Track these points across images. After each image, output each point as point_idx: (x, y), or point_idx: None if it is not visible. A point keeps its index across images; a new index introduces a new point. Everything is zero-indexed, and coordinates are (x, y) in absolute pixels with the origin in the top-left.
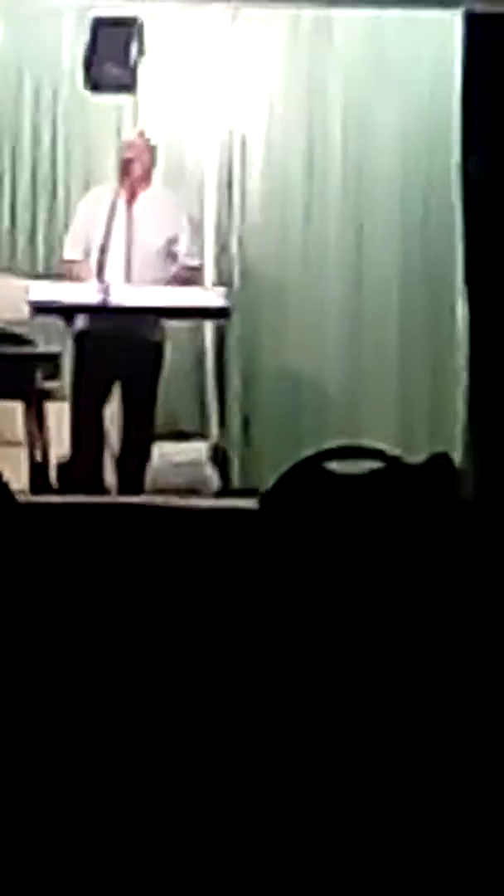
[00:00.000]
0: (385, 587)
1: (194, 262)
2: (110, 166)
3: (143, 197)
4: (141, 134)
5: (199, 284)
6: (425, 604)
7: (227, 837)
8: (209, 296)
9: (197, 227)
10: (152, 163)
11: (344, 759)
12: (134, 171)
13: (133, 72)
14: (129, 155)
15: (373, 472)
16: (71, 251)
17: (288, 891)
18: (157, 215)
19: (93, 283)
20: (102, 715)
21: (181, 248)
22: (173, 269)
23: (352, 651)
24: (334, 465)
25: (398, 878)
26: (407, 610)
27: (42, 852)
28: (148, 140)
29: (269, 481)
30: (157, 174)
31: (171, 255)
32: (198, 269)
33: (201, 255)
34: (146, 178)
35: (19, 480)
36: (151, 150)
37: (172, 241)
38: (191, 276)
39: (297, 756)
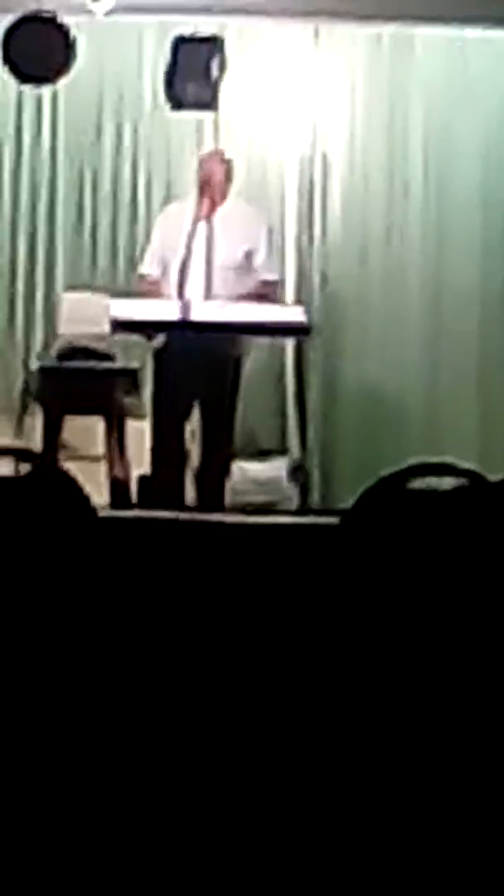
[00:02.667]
0: (466, 604)
1: (271, 277)
2: (190, 182)
3: (222, 211)
4: (217, 150)
5: (275, 299)
6: None
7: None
8: (290, 313)
9: (275, 241)
10: (229, 178)
11: (427, 769)
12: (212, 187)
13: (214, 89)
14: (206, 171)
15: (454, 490)
16: (148, 267)
17: (288, 891)
18: (236, 229)
19: (173, 299)
20: (177, 722)
21: (258, 262)
22: (251, 283)
23: (434, 667)
24: (416, 483)
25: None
26: (488, 627)
27: (51, 854)
28: (224, 155)
29: (348, 499)
30: (237, 190)
31: (249, 270)
32: (275, 284)
33: (279, 269)
34: (224, 193)
35: (100, 496)
36: (228, 165)
37: (250, 255)
38: (268, 291)
39: (378, 765)
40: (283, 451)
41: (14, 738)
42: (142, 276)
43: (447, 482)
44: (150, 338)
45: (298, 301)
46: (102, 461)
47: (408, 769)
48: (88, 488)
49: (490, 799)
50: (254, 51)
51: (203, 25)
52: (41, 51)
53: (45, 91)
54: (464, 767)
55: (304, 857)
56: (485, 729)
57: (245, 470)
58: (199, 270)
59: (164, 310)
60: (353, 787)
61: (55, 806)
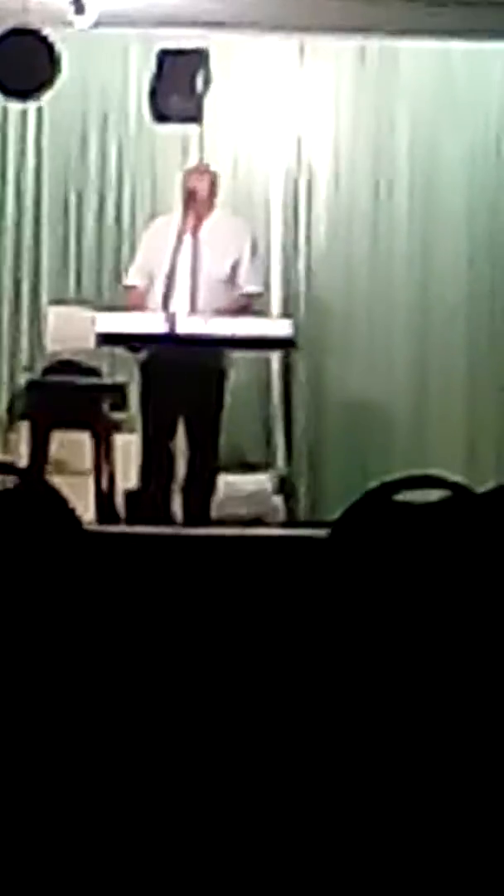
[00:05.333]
0: (453, 614)
1: (253, 289)
2: (176, 196)
3: (207, 225)
4: (202, 162)
5: (258, 312)
6: (493, 631)
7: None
8: (275, 326)
9: (259, 253)
10: (214, 191)
11: (415, 781)
12: (197, 200)
13: (199, 102)
14: (191, 184)
15: (440, 502)
16: (133, 278)
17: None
18: (221, 242)
19: (158, 313)
20: (168, 738)
21: (241, 274)
22: (234, 295)
23: (421, 676)
24: (403, 495)
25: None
26: (475, 637)
27: (52, 857)
28: (208, 168)
29: (335, 511)
30: (222, 203)
31: (235, 282)
32: (256, 296)
33: (262, 281)
34: (209, 206)
35: (86, 510)
36: (213, 178)
37: (236, 267)
38: (249, 303)
39: (370, 776)
40: (269, 464)
41: (2, 750)
42: (127, 288)
43: (434, 494)
44: (135, 351)
45: (284, 314)
46: (89, 475)
47: (395, 778)
48: (75, 503)
49: (473, 806)
50: (239, 64)
51: (188, 39)
52: (25, 64)
53: (30, 105)
54: (446, 773)
55: (301, 862)
56: (470, 735)
57: (231, 483)
58: (185, 284)
59: (149, 323)
60: (339, 793)
61: (45, 817)
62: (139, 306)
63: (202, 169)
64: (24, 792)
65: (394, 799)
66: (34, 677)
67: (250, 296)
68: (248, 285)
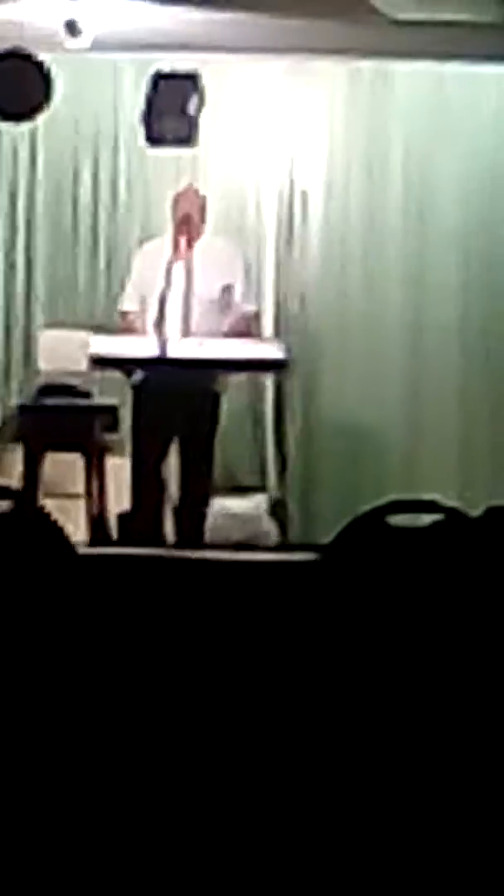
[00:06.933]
0: (445, 638)
1: (250, 308)
2: (168, 219)
3: (198, 247)
4: (191, 186)
5: (256, 333)
6: (485, 654)
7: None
8: (268, 348)
9: (252, 274)
10: (204, 213)
11: (408, 803)
12: (188, 224)
13: (192, 125)
14: (181, 208)
15: (433, 526)
16: (128, 303)
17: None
18: (213, 265)
19: (151, 336)
20: (162, 758)
21: (237, 294)
22: (230, 319)
23: (417, 701)
24: (395, 519)
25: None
26: (468, 660)
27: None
28: (197, 191)
29: (328, 535)
30: (213, 225)
31: (228, 305)
32: (254, 317)
33: (257, 301)
34: (199, 229)
35: (78, 531)
36: (202, 201)
37: (228, 289)
38: (247, 325)
39: (365, 795)
40: (262, 487)
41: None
42: (122, 313)
43: (426, 518)
44: (129, 374)
45: (277, 336)
46: (81, 498)
47: (390, 799)
48: (67, 525)
49: (463, 824)
50: (232, 86)
51: (181, 62)
52: (18, 87)
53: (23, 128)
54: (438, 792)
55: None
56: (463, 756)
57: (224, 506)
58: (177, 307)
59: (142, 346)
60: (332, 814)
61: (43, 834)
62: (132, 330)
63: (191, 191)
64: (19, 816)
65: (383, 822)
66: (29, 699)
67: (246, 316)
68: (246, 305)
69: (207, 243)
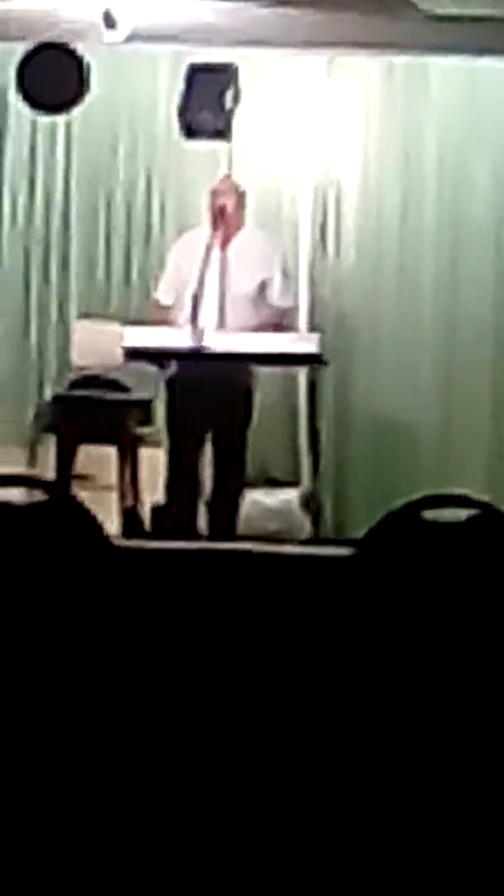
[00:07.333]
0: (481, 635)
1: (286, 304)
2: (204, 211)
3: (237, 241)
4: (228, 178)
5: (291, 328)
6: None
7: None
8: (302, 342)
9: (290, 271)
10: (242, 206)
11: (442, 792)
12: (226, 216)
13: (228, 118)
14: (219, 200)
15: (468, 521)
16: (164, 296)
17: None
18: (251, 259)
19: (186, 328)
20: (194, 750)
21: (274, 289)
22: (265, 313)
23: (448, 697)
24: (429, 514)
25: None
26: (502, 657)
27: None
28: (236, 184)
29: (361, 529)
30: (251, 219)
31: (263, 300)
32: (290, 313)
33: (294, 298)
34: (238, 222)
35: (111, 524)
36: (241, 194)
37: (265, 285)
38: (283, 321)
39: (399, 789)
40: (295, 480)
41: (27, 758)
42: (157, 306)
43: (460, 513)
44: (162, 367)
45: (311, 330)
46: (115, 490)
47: (422, 789)
48: (100, 517)
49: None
50: (268, 80)
51: (217, 55)
52: (55, 79)
53: (59, 120)
54: (473, 784)
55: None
56: (497, 754)
57: (257, 499)
58: (213, 300)
59: (177, 339)
60: (362, 807)
61: (71, 816)
62: (167, 322)
63: (229, 184)
64: (46, 804)
65: (416, 811)
66: (62, 688)
67: (285, 311)
68: (283, 301)
69: (247, 237)
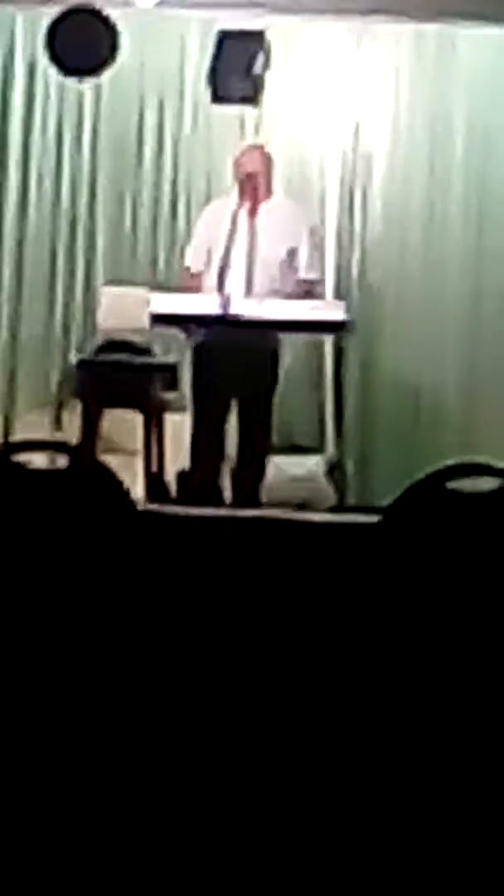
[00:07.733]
0: None
1: (313, 276)
2: (231, 177)
3: (265, 208)
4: (257, 146)
5: (318, 298)
6: None
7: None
8: (329, 309)
9: (317, 240)
10: (270, 173)
11: (469, 768)
12: (254, 183)
13: (257, 84)
14: (247, 167)
15: (494, 491)
16: (193, 262)
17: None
18: (279, 227)
19: (213, 294)
20: (215, 718)
21: (301, 260)
22: (293, 281)
23: (474, 667)
24: (454, 483)
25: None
26: None
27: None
28: (264, 150)
29: (385, 496)
30: (279, 186)
31: (291, 268)
32: (317, 283)
33: (321, 268)
34: (267, 189)
35: (135, 489)
36: (269, 161)
37: (293, 253)
38: (310, 290)
39: (427, 768)
40: (320, 447)
41: (48, 720)
42: (186, 269)
43: (486, 482)
44: (189, 332)
45: (337, 297)
46: (139, 455)
47: (447, 768)
48: (125, 483)
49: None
50: (297, 47)
51: (247, 21)
52: (85, 43)
53: (88, 85)
54: (495, 764)
55: (304, 858)
56: None
57: (282, 466)
58: (241, 266)
59: (204, 305)
60: (387, 784)
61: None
62: (195, 288)
63: (258, 150)
64: (66, 773)
65: (432, 782)
66: (87, 651)
67: (311, 282)
68: (309, 272)
69: (276, 204)
